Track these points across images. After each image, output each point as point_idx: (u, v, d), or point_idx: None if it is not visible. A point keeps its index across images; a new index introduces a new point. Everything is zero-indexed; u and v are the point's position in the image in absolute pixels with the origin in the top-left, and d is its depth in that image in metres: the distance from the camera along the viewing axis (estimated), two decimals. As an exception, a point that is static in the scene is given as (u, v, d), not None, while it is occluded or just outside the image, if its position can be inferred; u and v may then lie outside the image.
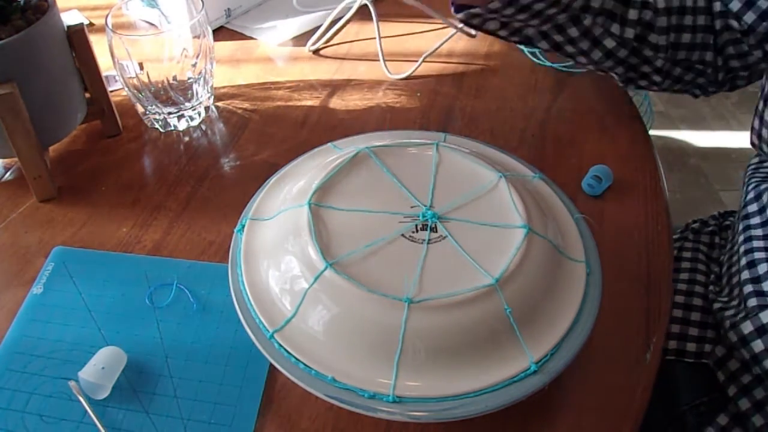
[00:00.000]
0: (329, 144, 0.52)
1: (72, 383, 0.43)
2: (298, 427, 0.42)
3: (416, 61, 0.73)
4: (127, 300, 0.49)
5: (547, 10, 0.54)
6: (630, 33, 0.56)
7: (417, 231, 0.43)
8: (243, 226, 0.46)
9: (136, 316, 0.48)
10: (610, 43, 0.57)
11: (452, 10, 0.57)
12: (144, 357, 0.45)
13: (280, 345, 0.39)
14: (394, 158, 0.48)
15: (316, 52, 0.77)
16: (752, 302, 0.52)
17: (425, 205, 0.45)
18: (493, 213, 0.45)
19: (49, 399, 0.43)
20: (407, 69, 0.72)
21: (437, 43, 0.75)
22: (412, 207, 0.45)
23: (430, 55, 0.73)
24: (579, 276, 0.44)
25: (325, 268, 0.40)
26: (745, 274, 0.54)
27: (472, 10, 0.55)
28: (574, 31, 0.56)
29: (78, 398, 0.43)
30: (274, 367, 0.45)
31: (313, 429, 0.42)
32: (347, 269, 0.40)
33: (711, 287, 0.60)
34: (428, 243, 0.43)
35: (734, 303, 0.56)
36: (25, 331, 0.47)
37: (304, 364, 0.39)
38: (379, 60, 0.74)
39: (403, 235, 0.43)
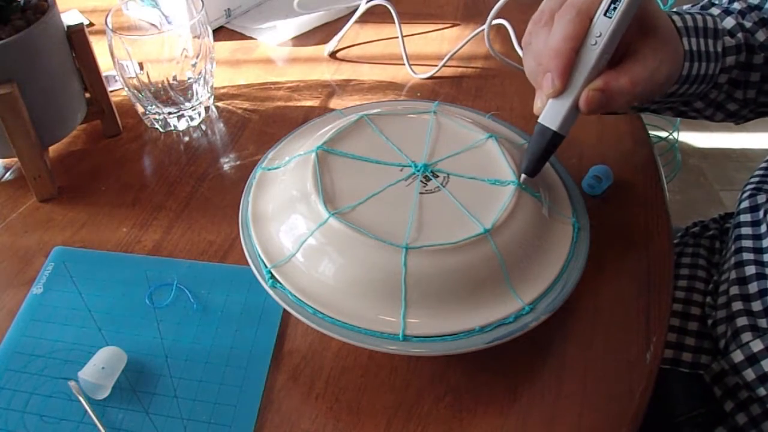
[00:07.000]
0: (336, 111, 0.58)
1: (72, 383, 0.43)
2: (298, 427, 0.42)
3: (419, 63, 0.73)
4: (127, 300, 0.49)
5: (680, 99, 0.54)
6: (752, 93, 0.57)
7: (414, 182, 0.47)
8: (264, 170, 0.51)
9: (136, 316, 0.48)
10: (733, 106, 0.58)
11: None
12: (144, 357, 0.45)
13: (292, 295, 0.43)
14: (394, 123, 0.53)
15: (332, 55, 0.76)
16: (742, 321, 0.53)
17: (422, 162, 0.49)
18: (485, 169, 0.48)
19: (49, 399, 0.43)
20: (421, 70, 0.73)
21: (453, 45, 0.74)
22: (409, 163, 0.49)
23: (450, 58, 0.73)
24: (567, 230, 0.47)
25: (329, 217, 0.44)
26: (735, 290, 0.54)
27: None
28: (699, 104, 0.57)
29: (78, 398, 0.43)
30: (274, 367, 0.45)
31: (313, 429, 0.42)
32: (349, 217, 0.44)
33: (708, 298, 0.60)
34: (425, 194, 0.46)
35: (723, 314, 0.55)
36: (25, 331, 0.47)
37: (313, 308, 0.42)
38: (378, 62, 0.74)
39: (401, 186, 0.47)
